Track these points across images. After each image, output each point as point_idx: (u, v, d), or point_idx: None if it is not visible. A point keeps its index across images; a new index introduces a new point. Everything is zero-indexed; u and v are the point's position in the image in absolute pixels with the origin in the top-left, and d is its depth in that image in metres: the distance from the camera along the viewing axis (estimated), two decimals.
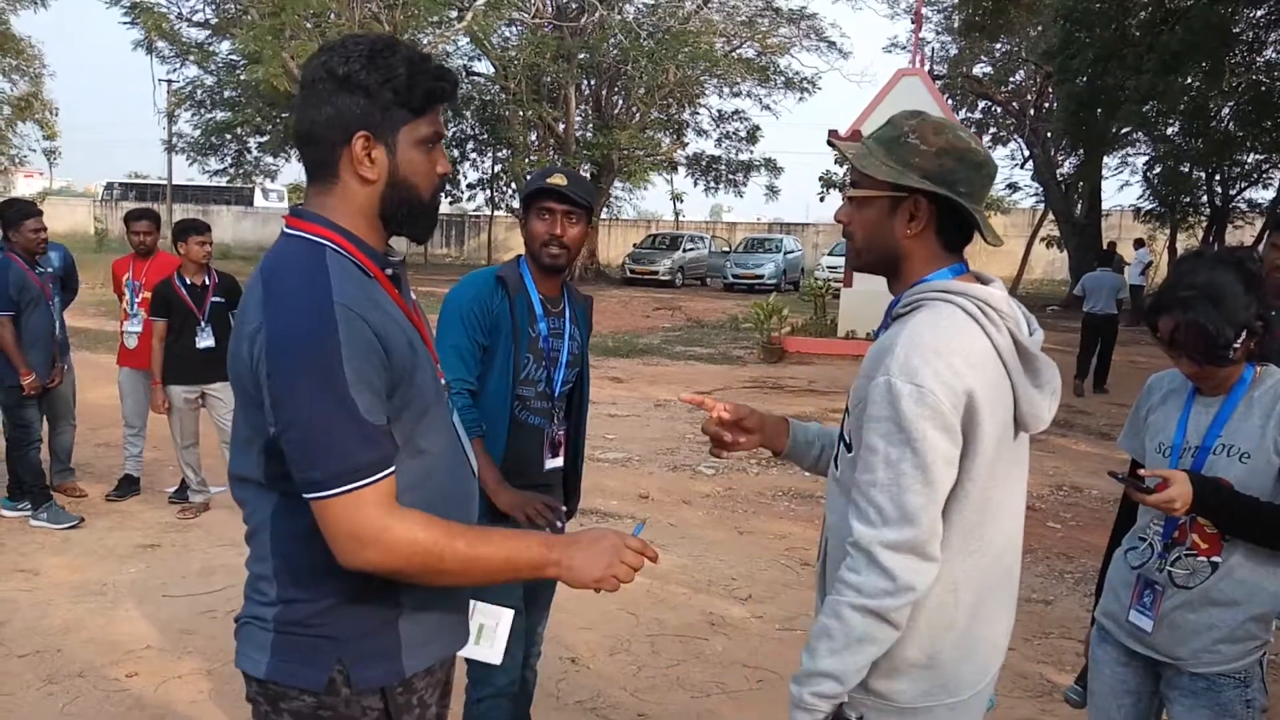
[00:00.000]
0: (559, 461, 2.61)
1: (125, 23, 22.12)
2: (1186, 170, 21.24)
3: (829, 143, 1.67)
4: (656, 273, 25.86)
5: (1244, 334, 1.97)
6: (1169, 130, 20.29)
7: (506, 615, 1.79)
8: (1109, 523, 2.52)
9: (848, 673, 1.42)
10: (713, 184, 30.60)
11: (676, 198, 35.54)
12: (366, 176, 1.40)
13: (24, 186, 36.68)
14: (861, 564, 1.41)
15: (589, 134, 26.52)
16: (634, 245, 29.63)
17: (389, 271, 1.46)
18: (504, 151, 26.15)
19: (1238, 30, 13.72)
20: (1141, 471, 2.04)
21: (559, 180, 2.40)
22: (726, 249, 29.33)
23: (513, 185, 25.48)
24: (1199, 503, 1.96)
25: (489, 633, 1.78)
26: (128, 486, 5.80)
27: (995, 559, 1.53)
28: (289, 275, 1.36)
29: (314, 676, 1.40)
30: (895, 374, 1.40)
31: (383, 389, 1.34)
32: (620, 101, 27.49)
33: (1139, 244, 20.76)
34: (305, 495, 1.32)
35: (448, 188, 23.28)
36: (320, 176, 1.43)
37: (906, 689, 1.50)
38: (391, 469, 1.34)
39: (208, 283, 5.40)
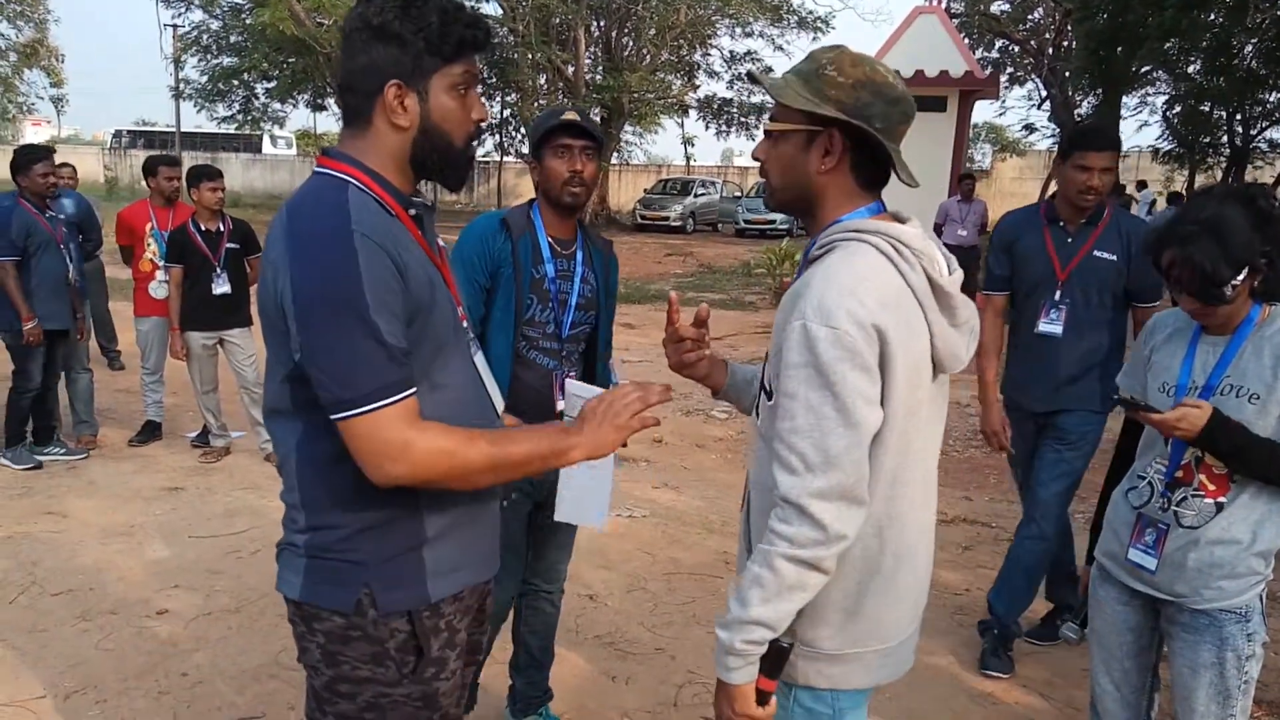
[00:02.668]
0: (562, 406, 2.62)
1: None
2: (1207, 110, 20.85)
3: (748, 75, 1.64)
4: (668, 218, 25.65)
5: (1244, 272, 1.95)
6: (1190, 69, 19.88)
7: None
8: None
9: (779, 619, 1.42)
10: (724, 127, 30.20)
11: (688, 142, 35.11)
12: (399, 124, 1.46)
13: (32, 135, 36.59)
14: (792, 515, 1.38)
15: (599, 77, 26.14)
16: (645, 191, 29.34)
17: (412, 212, 1.51)
18: (513, 96, 25.85)
19: None
20: (1175, 405, 2.01)
21: (573, 117, 2.39)
22: (738, 194, 29.03)
23: (522, 130, 25.21)
24: (1209, 439, 1.97)
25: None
26: (150, 432, 5.89)
27: (918, 506, 1.52)
28: (310, 207, 1.41)
29: (343, 598, 1.47)
30: (810, 317, 1.37)
31: (402, 315, 1.39)
32: (630, 43, 27.04)
33: (1141, 185, 20.54)
34: (333, 416, 1.36)
35: None
36: (355, 122, 1.49)
37: (833, 635, 1.50)
38: (413, 389, 1.39)
39: (222, 229, 5.41)
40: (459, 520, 1.55)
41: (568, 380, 1.94)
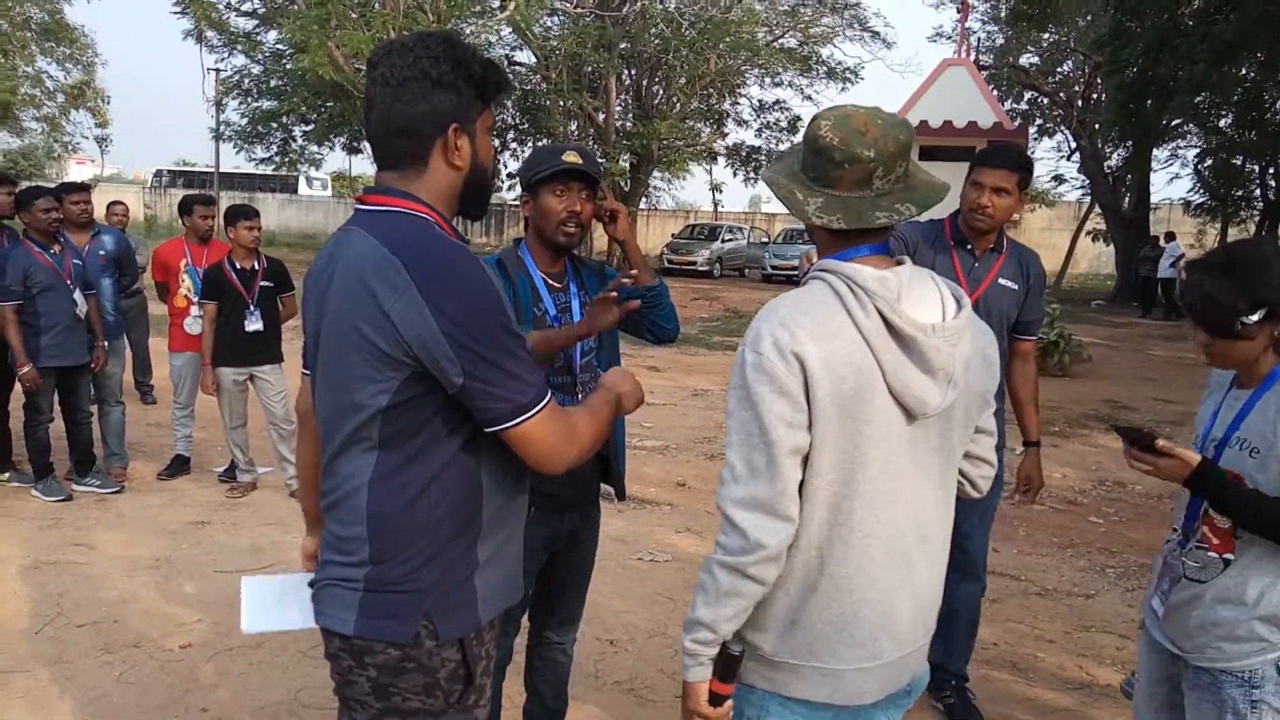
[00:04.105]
0: None
1: (176, 13, 22.58)
2: (1239, 163, 20.78)
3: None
4: (695, 263, 25.78)
5: (1262, 312, 1.91)
6: (1221, 122, 19.87)
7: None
8: (1152, 518, 2.51)
9: (718, 622, 1.53)
10: (752, 175, 30.41)
11: (715, 188, 35.44)
12: (456, 164, 1.56)
13: (76, 173, 37.55)
14: (725, 524, 1.51)
15: (629, 124, 26.49)
16: (672, 235, 29.56)
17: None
18: (544, 141, 26.24)
19: None
20: (1161, 445, 1.97)
21: (574, 159, 2.36)
22: (765, 240, 29.17)
23: None
24: (1194, 486, 1.95)
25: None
26: (178, 466, 5.96)
27: (884, 543, 1.54)
28: (427, 244, 1.48)
29: (402, 630, 1.50)
30: (746, 342, 1.52)
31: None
32: (661, 91, 27.41)
33: (1170, 237, 20.39)
34: (512, 423, 1.46)
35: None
36: (406, 165, 1.55)
37: (772, 641, 1.57)
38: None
39: (256, 267, 5.50)
40: (504, 544, 1.61)
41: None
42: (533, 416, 1.46)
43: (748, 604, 1.53)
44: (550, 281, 2.49)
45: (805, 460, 1.50)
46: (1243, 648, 1.95)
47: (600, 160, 25.53)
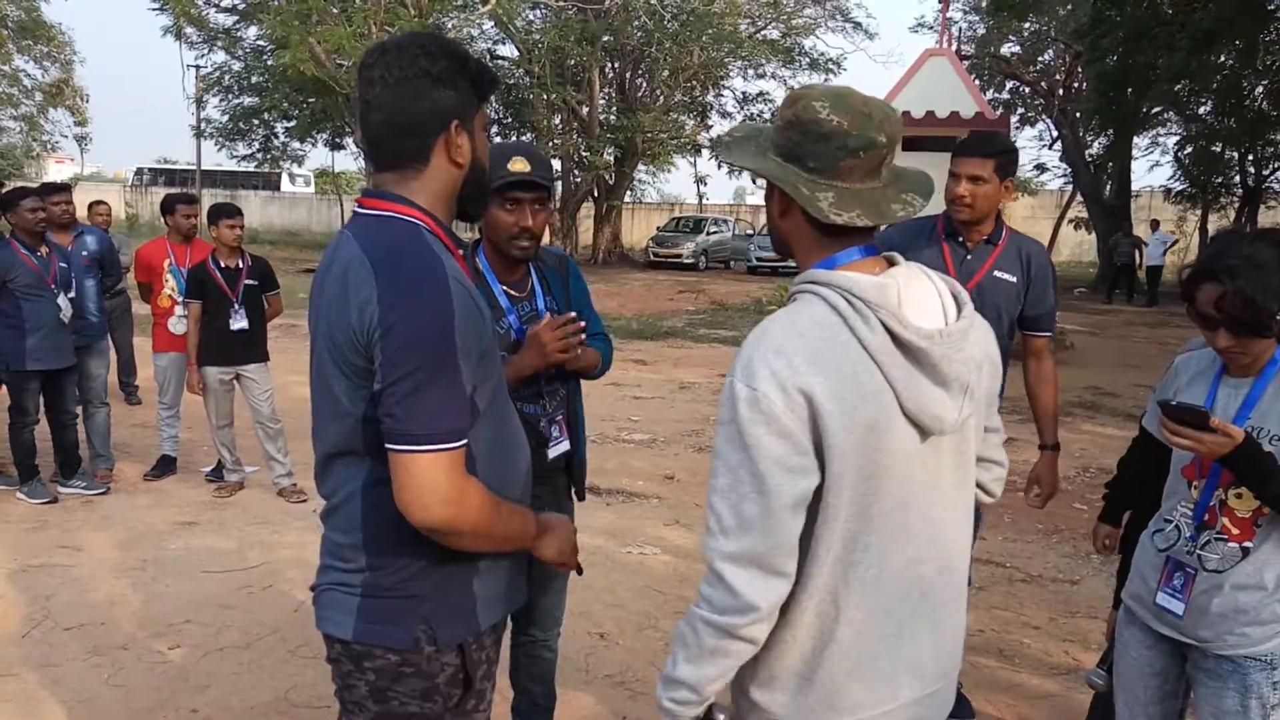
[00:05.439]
0: (564, 446, 2.49)
1: (154, 9, 22.38)
2: (1219, 150, 20.97)
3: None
4: (680, 256, 25.82)
5: None
6: (1201, 110, 20.05)
7: None
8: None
9: (702, 683, 1.37)
10: (736, 167, 30.38)
11: (700, 180, 35.41)
12: (458, 160, 1.54)
13: (55, 172, 37.18)
14: (712, 578, 1.34)
15: (613, 117, 26.45)
16: (657, 228, 29.58)
17: (462, 251, 1.60)
18: (528, 135, 26.14)
19: (1272, 7, 13.46)
20: (1214, 422, 1.92)
21: (522, 166, 2.20)
22: (750, 232, 29.20)
23: None
24: (1241, 459, 1.91)
25: None
26: (165, 466, 5.93)
27: (897, 573, 1.39)
28: (401, 250, 1.45)
29: (400, 636, 1.50)
30: (737, 374, 1.32)
31: (476, 358, 1.45)
32: (644, 84, 27.40)
33: (1155, 225, 20.50)
34: (395, 446, 1.39)
35: None
36: (406, 165, 1.53)
37: (784, 700, 1.41)
38: (466, 440, 1.43)
39: (240, 265, 5.47)
40: (507, 551, 1.61)
41: None
42: (419, 453, 1.38)
43: (735, 664, 1.37)
44: (511, 291, 2.38)
45: (817, 503, 1.33)
46: (1265, 630, 1.99)
47: (584, 154, 25.55)
